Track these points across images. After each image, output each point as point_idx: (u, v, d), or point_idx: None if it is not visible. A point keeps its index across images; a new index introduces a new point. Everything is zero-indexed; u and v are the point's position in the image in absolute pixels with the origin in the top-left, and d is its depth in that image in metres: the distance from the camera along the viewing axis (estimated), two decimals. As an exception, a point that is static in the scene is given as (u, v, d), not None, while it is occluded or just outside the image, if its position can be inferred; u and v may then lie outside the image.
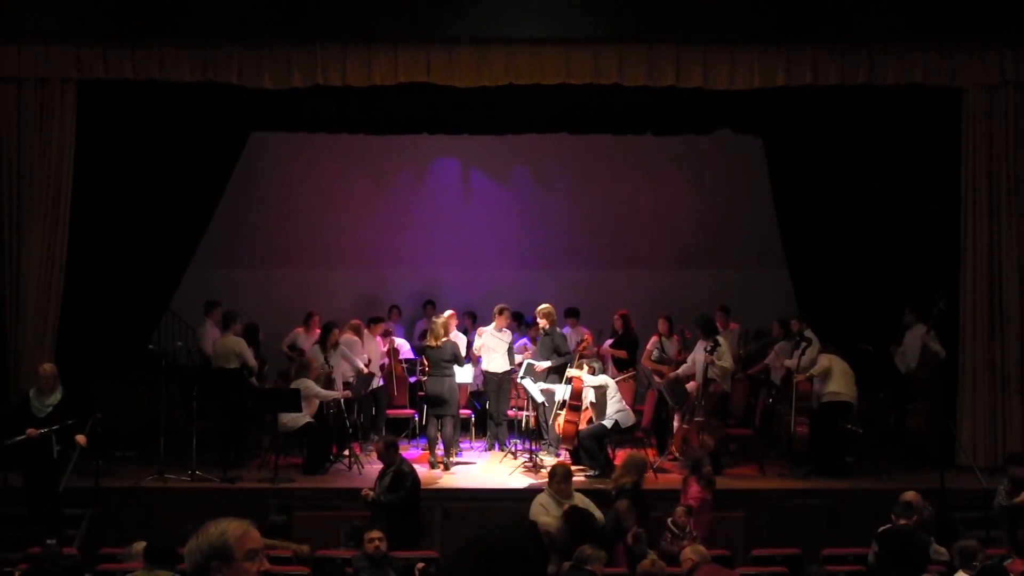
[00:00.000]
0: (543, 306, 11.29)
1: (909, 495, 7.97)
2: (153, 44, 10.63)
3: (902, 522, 7.58)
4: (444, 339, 10.79)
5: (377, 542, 7.44)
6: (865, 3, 10.78)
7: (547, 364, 11.10)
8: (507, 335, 11.65)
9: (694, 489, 8.70)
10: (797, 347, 10.88)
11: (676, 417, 10.84)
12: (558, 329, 11.46)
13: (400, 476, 8.76)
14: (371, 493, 8.82)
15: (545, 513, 8.09)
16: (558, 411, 10.81)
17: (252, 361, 11.03)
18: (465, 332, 12.37)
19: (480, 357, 11.63)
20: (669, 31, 10.72)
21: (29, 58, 10.62)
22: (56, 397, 9.00)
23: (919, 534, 7.41)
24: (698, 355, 10.61)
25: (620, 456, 9.97)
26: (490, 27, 10.67)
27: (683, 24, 10.69)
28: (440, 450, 10.83)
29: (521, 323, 12.77)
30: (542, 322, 11.23)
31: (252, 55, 10.68)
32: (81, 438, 8.91)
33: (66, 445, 8.95)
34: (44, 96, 10.72)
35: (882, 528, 7.64)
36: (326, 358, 11.00)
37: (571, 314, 12.57)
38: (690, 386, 10.71)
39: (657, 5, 10.74)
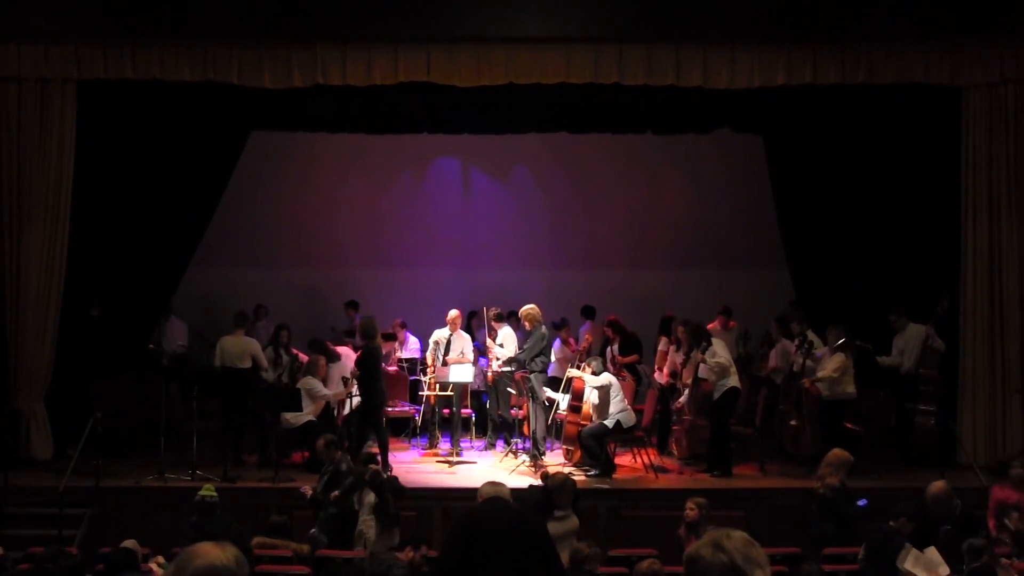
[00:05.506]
0: (526, 307, 11.23)
1: (935, 485, 7.83)
2: (153, 44, 10.62)
3: (891, 523, 7.56)
4: None
5: (425, 550, 7.32)
6: (865, 3, 10.78)
7: (509, 355, 11.10)
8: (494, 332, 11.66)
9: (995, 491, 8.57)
10: (800, 348, 10.85)
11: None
12: (542, 329, 11.33)
13: (337, 476, 8.65)
14: (310, 490, 8.80)
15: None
16: (559, 411, 10.82)
17: (264, 361, 11.09)
18: (468, 331, 12.34)
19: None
20: (669, 30, 10.72)
21: (29, 58, 10.62)
22: None
23: (896, 536, 7.30)
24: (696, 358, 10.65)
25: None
26: (490, 27, 10.67)
27: (683, 23, 10.69)
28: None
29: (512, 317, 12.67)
30: (525, 324, 11.20)
31: (252, 55, 10.67)
32: None
33: None
34: (44, 96, 10.71)
35: (870, 526, 7.65)
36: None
37: (586, 312, 12.50)
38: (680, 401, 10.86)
39: (657, 5, 10.74)
